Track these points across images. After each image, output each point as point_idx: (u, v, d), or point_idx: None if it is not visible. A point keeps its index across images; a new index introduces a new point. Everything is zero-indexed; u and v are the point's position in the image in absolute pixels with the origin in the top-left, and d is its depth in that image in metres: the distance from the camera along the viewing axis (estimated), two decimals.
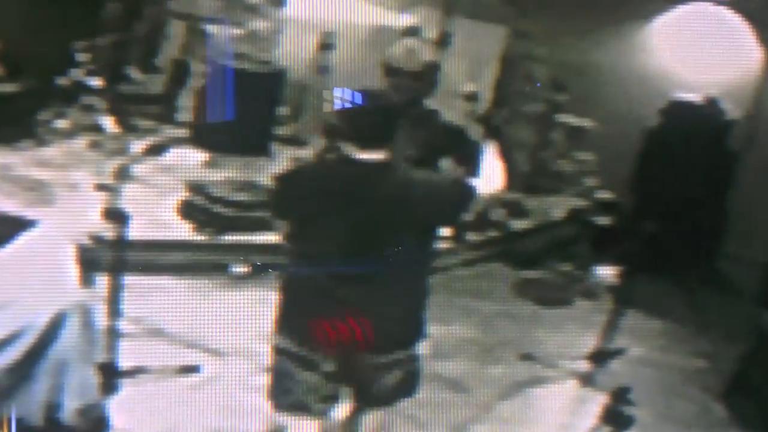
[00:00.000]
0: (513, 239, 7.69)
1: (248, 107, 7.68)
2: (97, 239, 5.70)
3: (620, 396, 4.49)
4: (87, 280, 4.53)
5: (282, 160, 7.92)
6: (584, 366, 5.61)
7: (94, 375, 4.28)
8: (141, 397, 4.66)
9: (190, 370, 5.02)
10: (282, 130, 8.62)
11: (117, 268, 4.62)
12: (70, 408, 4.16)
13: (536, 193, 8.36)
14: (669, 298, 7.24)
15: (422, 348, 3.70)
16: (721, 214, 8.01)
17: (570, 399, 5.46)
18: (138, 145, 7.37)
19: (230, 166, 7.71)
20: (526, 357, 5.94)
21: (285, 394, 3.67)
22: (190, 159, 7.78)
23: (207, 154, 7.91)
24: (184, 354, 5.23)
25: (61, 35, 7.92)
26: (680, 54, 8.28)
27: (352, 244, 3.48)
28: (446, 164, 4.35)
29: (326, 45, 8.37)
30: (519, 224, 7.90)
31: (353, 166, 3.49)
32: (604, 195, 8.18)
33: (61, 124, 8.06)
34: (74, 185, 7.05)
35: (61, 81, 8.13)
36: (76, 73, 8.16)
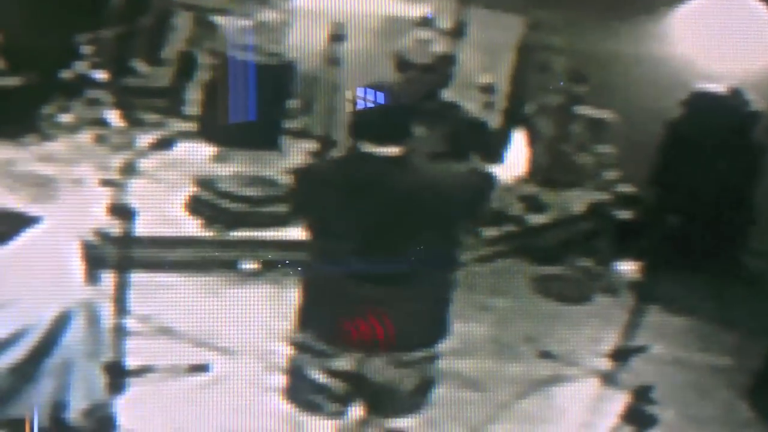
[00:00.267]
0: (531, 234, 7.64)
1: (258, 100, 7.64)
2: (103, 236, 5.66)
3: (643, 395, 4.43)
4: (92, 278, 4.57)
5: (292, 154, 7.97)
6: (605, 364, 5.55)
7: (100, 374, 4.26)
8: (148, 397, 4.67)
9: (199, 369, 5.01)
10: (292, 124, 8.58)
11: (123, 265, 4.58)
12: (76, 408, 4.17)
13: (555, 186, 8.28)
14: (692, 294, 7.17)
15: (443, 347, 3.71)
16: (746, 208, 7.93)
17: (590, 398, 5.42)
18: (144, 140, 7.17)
19: (239, 160, 7.70)
20: (545, 355, 5.91)
21: (301, 393, 3.68)
22: (198, 153, 7.76)
23: (215, 149, 7.90)
24: (193, 353, 5.23)
25: (65, 27, 7.87)
26: (703, 43, 8.21)
27: (373, 239, 3.49)
28: (468, 156, 4.33)
29: (337, 36, 8.27)
30: (537, 219, 7.83)
31: (373, 161, 3.49)
32: (625, 188, 8.09)
33: (65, 118, 8.04)
34: (79, 180, 7.06)
35: (65, 74, 8.08)
36: (81, 66, 8.11)
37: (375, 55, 7.16)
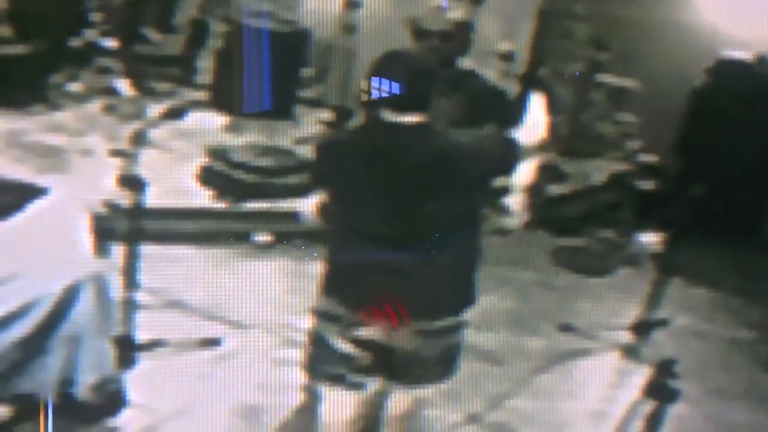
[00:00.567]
0: (551, 205, 7.57)
1: (271, 68, 7.60)
2: (113, 207, 5.61)
3: (665, 368, 4.31)
4: (102, 250, 4.54)
5: (306, 124, 7.96)
6: (626, 337, 5.58)
7: (109, 348, 4.22)
8: (159, 371, 4.66)
9: (211, 343, 4.98)
10: (306, 93, 8.55)
11: (133, 238, 4.60)
12: (84, 383, 4.13)
13: (576, 156, 8.24)
14: (716, 265, 7.14)
15: (468, 316, 3.66)
16: None
17: (611, 371, 5.43)
18: (155, 109, 7.35)
19: (252, 130, 7.68)
20: (566, 328, 5.85)
21: (323, 363, 3.64)
22: (210, 123, 7.77)
23: (227, 118, 7.87)
24: (205, 326, 5.18)
25: None
26: (729, 9, 8.11)
27: (396, 208, 3.45)
28: (487, 125, 4.27)
29: (352, 3, 8.24)
30: (557, 189, 7.79)
31: (393, 129, 3.45)
32: (648, 158, 8.06)
33: (74, 87, 8.03)
34: (88, 151, 7.04)
35: (74, 42, 8.06)
36: (90, 34, 8.09)
37: (391, 22, 7.08)
